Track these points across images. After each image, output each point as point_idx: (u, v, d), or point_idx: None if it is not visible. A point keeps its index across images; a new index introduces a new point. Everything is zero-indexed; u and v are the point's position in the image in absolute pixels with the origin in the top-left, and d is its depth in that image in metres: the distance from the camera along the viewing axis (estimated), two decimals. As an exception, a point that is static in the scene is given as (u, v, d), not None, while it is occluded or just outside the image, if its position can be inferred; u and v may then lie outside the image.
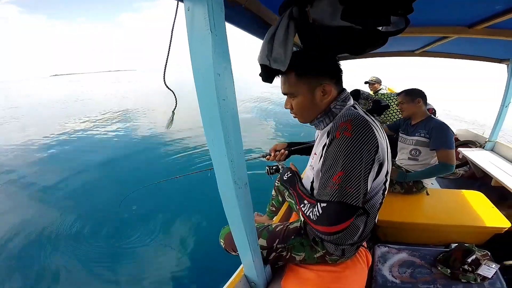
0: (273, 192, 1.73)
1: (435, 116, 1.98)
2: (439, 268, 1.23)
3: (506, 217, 1.58)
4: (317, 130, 1.08)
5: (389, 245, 1.40)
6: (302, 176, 1.15)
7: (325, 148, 0.86)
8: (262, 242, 1.10)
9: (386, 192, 0.97)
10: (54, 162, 5.30)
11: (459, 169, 2.90)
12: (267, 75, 0.90)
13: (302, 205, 0.91)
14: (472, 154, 2.66)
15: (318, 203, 0.80)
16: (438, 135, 1.70)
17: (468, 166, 2.87)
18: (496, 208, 1.67)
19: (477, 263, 1.20)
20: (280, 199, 1.69)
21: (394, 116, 2.76)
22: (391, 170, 1.76)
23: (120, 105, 12.43)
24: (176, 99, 0.71)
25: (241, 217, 0.84)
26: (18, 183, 4.35)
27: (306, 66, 0.89)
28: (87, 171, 4.63)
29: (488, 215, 1.61)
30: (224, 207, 0.86)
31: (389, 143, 2.65)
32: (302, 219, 1.13)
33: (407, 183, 1.84)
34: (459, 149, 2.81)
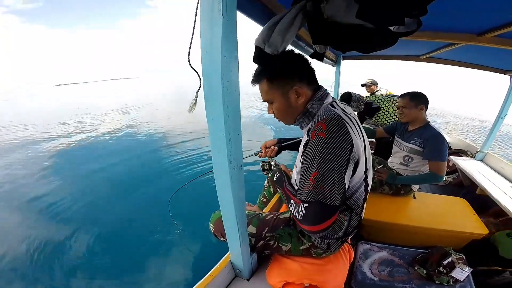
0: (265, 183, 1.76)
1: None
2: (416, 269, 1.29)
3: (486, 224, 1.64)
4: None
5: (371, 243, 1.46)
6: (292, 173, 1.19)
7: (304, 148, 0.91)
8: (252, 229, 1.13)
9: (369, 188, 1.01)
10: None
11: (448, 176, 2.97)
12: (260, 57, 0.88)
13: (290, 204, 0.95)
14: (462, 163, 2.72)
15: (302, 203, 0.84)
16: (433, 146, 1.70)
17: (456, 174, 2.93)
18: (476, 215, 1.73)
19: (451, 266, 1.27)
20: (272, 190, 1.73)
21: (386, 118, 2.77)
22: (383, 171, 1.81)
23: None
24: (200, 80, 0.70)
25: (233, 199, 0.85)
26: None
27: (274, 72, 0.91)
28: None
29: (468, 221, 1.67)
30: (216, 188, 0.88)
31: (384, 145, 2.68)
32: None
33: (396, 185, 1.88)
34: (450, 157, 2.86)
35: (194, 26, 0.65)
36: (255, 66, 0.94)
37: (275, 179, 1.14)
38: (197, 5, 0.61)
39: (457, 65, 2.53)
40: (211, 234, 1.26)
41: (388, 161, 2.13)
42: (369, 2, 0.71)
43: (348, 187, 0.89)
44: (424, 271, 1.26)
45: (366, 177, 0.95)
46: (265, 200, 1.79)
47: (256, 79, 0.95)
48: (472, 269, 1.27)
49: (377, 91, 3.46)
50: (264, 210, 1.67)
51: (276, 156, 1.42)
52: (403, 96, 1.86)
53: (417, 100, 1.79)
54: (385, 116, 2.76)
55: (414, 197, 1.94)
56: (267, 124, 8.10)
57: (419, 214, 1.75)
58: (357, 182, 0.92)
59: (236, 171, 0.81)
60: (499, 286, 1.38)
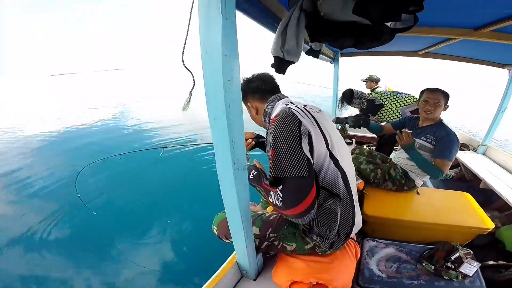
0: None
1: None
2: (424, 264, 1.27)
3: (491, 219, 1.63)
4: None
5: (377, 240, 1.45)
6: None
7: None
8: (256, 230, 1.12)
9: (345, 170, 1.02)
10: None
11: (451, 170, 2.96)
12: (280, 66, 0.98)
13: (270, 197, 0.97)
14: (464, 156, 2.72)
15: (278, 189, 0.89)
16: (445, 146, 1.67)
17: (459, 168, 2.93)
18: (481, 210, 1.72)
19: (459, 261, 1.25)
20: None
21: (389, 115, 2.76)
22: (406, 135, 1.73)
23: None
24: (194, 79, 0.72)
25: (237, 199, 0.85)
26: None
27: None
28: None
29: (474, 216, 1.66)
30: (221, 189, 0.88)
31: (385, 141, 2.65)
32: None
33: (399, 181, 1.87)
34: None
35: (188, 26, 0.65)
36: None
37: (251, 177, 1.10)
38: (192, 5, 0.62)
39: (455, 60, 2.55)
40: (213, 235, 1.26)
41: (393, 156, 2.11)
42: None
43: (314, 164, 0.93)
44: (432, 267, 1.25)
45: (332, 154, 0.97)
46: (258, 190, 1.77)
47: None
48: (480, 264, 1.26)
49: (377, 87, 3.46)
50: (267, 209, 1.66)
51: (249, 150, 1.39)
52: (435, 90, 1.75)
53: (447, 98, 1.74)
54: (388, 113, 2.75)
55: (418, 193, 1.92)
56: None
57: (424, 210, 1.73)
58: (323, 160, 0.95)
59: (240, 171, 0.81)
60: (507, 281, 1.36)
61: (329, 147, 0.97)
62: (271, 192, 0.97)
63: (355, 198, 1.08)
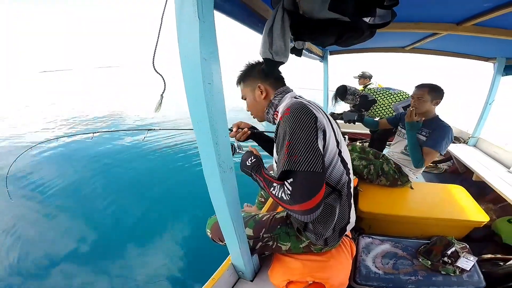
0: None
1: None
2: (420, 260, 1.27)
3: (486, 211, 1.63)
4: None
5: (373, 236, 1.43)
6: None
7: (275, 135, 0.99)
8: (249, 231, 1.11)
9: (349, 167, 1.03)
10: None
11: (443, 164, 2.98)
12: (271, 67, 0.98)
13: (272, 188, 0.89)
14: (455, 149, 2.74)
15: (286, 182, 0.82)
16: (436, 136, 1.67)
17: (451, 161, 2.95)
18: (476, 203, 1.72)
19: (456, 256, 1.25)
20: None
21: (382, 111, 2.78)
22: (409, 112, 1.72)
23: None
24: (164, 82, 0.72)
25: (226, 202, 0.85)
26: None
27: (245, 74, 1.11)
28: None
29: (468, 209, 1.66)
30: (209, 193, 0.87)
31: (381, 136, 2.65)
32: None
33: (393, 176, 1.87)
34: None
35: (160, 29, 0.64)
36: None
37: (248, 163, 1.02)
38: (164, 8, 0.61)
39: (441, 55, 2.59)
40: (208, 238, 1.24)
41: (386, 151, 2.11)
42: None
43: (328, 167, 0.93)
44: (429, 262, 1.24)
45: (341, 152, 0.97)
46: (262, 200, 1.75)
47: (237, 80, 1.15)
48: (477, 258, 1.25)
49: (370, 84, 3.50)
50: (262, 210, 1.64)
51: (244, 141, 1.33)
52: (421, 86, 1.76)
53: (435, 93, 1.71)
54: (381, 109, 2.77)
55: (412, 188, 1.92)
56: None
57: (418, 204, 1.74)
58: (333, 157, 0.93)
59: (226, 174, 0.80)
60: (506, 274, 1.35)
61: (339, 143, 0.97)
62: (274, 184, 0.90)
63: (352, 194, 1.08)
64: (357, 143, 2.42)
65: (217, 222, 1.15)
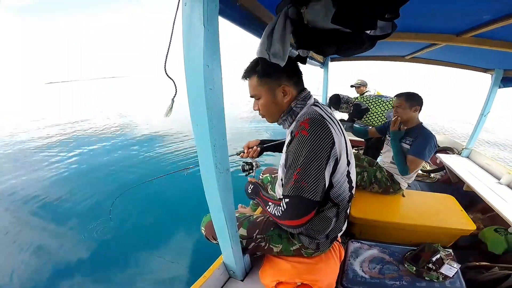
0: None
1: None
2: (406, 266, 1.30)
3: (474, 220, 1.68)
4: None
5: (362, 241, 1.47)
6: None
7: (287, 146, 0.95)
8: (243, 231, 1.14)
9: (353, 185, 1.04)
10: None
11: (436, 173, 3.02)
12: (264, 68, 0.95)
13: (268, 206, 1.01)
14: (448, 160, 2.78)
15: (283, 199, 0.90)
16: (419, 144, 1.73)
17: (444, 171, 2.99)
18: (464, 212, 1.76)
19: (440, 262, 1.28)
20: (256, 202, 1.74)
21: (375, 119, 2.81)
22: (394, 121, 1.82)
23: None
24: (176, 87, 0.74)
25: (221, 202, 0.88)
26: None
27: (265, 69, 0.96)
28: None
29: (456, 218, 1.70)
30: (205, 192, 0.90)
31: (372, 145, 2.71)
32: None
33: (385, 184, 1.91)
34: (437, 154, 2.94)
35: (171, 35, 0.67)
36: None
37: (249, 191, 1.19)
38: (175, 15, 0.63)
39: (440, 65, 2.61)
40: (203, 236, 1.26)
41: (379, 160, 2.15)
42: (344, 8, 0.74)
43: (332, 183, 0.93)
44: (414, 268, 1.28)
45: (349, 172, 0.99)
46: (256, 202, 1.79)
47: (247, 74, 1.01)
48: (460, 265, 1.29)
49: (366, 91, 3.52)
50: (256, 212, 1.67)
51: (258, 156, 1.45)
52: (398, 96, 1.87)
53: (412, 100, 1.80)
54: (373, 117, 2.79)
55: (403, 195, 1.97)
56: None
57: (409, 212, 1.77)
58: (340, 178, 0.95)
59: (222, 175, 0.83)
60: (489, 282, 1.40)
61: (350, 164, 0.98)
62: (270, 203, 1.00)
63: (349, 206, 1.09)
64: (353, 150, 2.45)
65: (211, 220, 1.19)
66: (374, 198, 1.90)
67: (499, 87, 2.52)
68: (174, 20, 0.63)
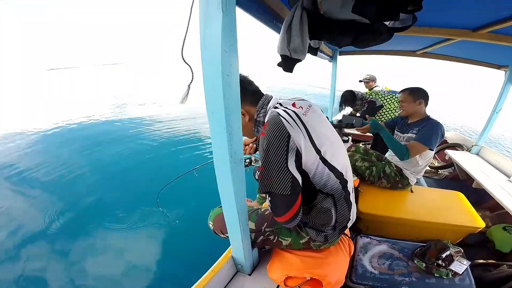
0: None
1: None
2: (415, 262, 1.30)
3: (482, 218, 1.66)
4: None
5: (371, 237, 1.46)
6: None
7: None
8: (251, 225, 1.13)
9: (341, 171, 1.01)
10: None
11: (444, 170, 3.00)
12: (287, 64, 0.98)
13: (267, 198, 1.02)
14: (458, 156, 2.75)
15: (267, 199, 0.95)
16: (425, 131, 1.74)
17: (452, 168, 2.96)
18: (473, 209, 1.75)
19: (450, 259, 1.27)
20: None
21: (388, 115, 2.78)
22: (363, 127, 1.95)
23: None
24: (192, 73, 0.73)
25: (234, 193, 0.86)
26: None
27: None
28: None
29: (465, 215, 1.69)
30: (217, 182, 0.89)
31: (380, 140, 2.68)
32: None
33: (394, 178, 1.90)
34: (446, 150, 2.91)
35: (189, 21, 0.66)
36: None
37: (256, 177, 1.18)
38: (193, 1, 0.62)
39: (452, 60, 2.56)
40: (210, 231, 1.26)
41: (387, 155, 2.15)
42: None
43: (306, 173, 0.95)
44: (423, 264, 1.27)
45: (325, 160, 0.96)
46: (264, 195, 1.79)
47: None
48: (470, 262, 1.28)
49: (375, 86, 3.48)
50: (263, 205, 1.67)
51: (255, 152, 1.49)
52: (403, 91, 1.92)
53: (416, 95, 1.84)
54: (387, 113, 2.77)
55: (412, 191, 1.95)
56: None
57: (417, 208, 1.76)
58: (313, 167, 0.95)
59: (236, 165, 0.82)
60: (497, 280, 1.39)
61: (320, 152, 0.96)
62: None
63: (352, 194, 1.08)
64: (360, 145, 2.44)
65: (220, 214, 1.18)
66: (382, 193, 1.89)
67: (513, 84, 2.47)
68: (192, 4, 0.63)
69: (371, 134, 3.15)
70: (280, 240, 1.12)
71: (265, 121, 0.96)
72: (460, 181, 2.76)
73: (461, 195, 1.92)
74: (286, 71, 1.04)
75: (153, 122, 7.28)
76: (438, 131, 1.71)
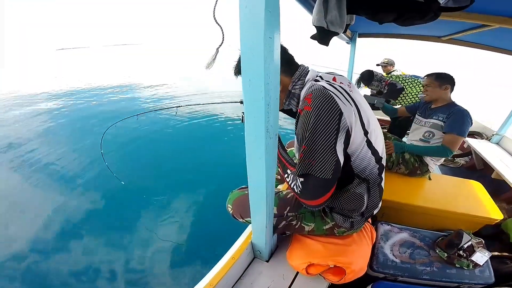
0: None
1: None
2: (437, 251, 1.29)
3: (500, 209, 1.64)
4: None
5: (392, 224, 1.45)
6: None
7: (296, 124, 0.93)
8: (273, 209, 1.07)
9: (381, 155, 0.97)
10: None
11: (461, 158, 2.94)
12: (323, 37, 0.91)
13: (286, 175, 0.96)
14: (477, 144, 2.68)
15: (298, 178, 0.87)
16: (455, 119, 1.70)
17: (470, 156, 2.91)
18: (492, 200, 1.72)
19: (471, 250, 1.26)
20: None
21: (409, 99, 2.70)
22: (388, 144, 1.82)
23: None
24: (223, 34, 0.67)
25: (265, 173, 0.79)
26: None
27: None
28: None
29: (483, 205, 1.66)
30: (247, 161, 0.80)
31: (399, 124, 2.65)
32: None
33: (413, 165, 1.86)
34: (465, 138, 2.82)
35: None
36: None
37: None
38: None
39: (483, 49, 2.40)
40: (228, 214, 1.21)
41: (405, 139, 2.11)
42: None
43: (349, 156, 0.88)
44: (445, 254, 1.26)
45: (370, 142, 0.90)
46: (279, 177, 1.77)
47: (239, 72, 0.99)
48: (491, 254, 1.28)
49: (394, 71, 3.37)
50: (281, 188, 1.65)
51: None
52: (428, 76, 1.87)
53: (442, 80, 1.79)
54: (408, 98, 2.70)
55: (430, 179, 1.92)
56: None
57: (434, 196, 1.73)
58: (358, 150, 0.88)
59: (271, 141, 0.74)
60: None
61: (368, 133, 0.89)
62: (289, 171, 0.94)
63: (383, 179, 1.03)
64: None
65: (240, 197, 1.14)
66: (399, 180, 1.86)
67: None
68: None
69: (388, 119, 3.10)
70: (303, 225, 1.08)
71: (303, 94, 0.88)
72: (476, 170, 2.71)
73: (479, 185, 1.89)
74: (322, 44, 0.99)
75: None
76: (468, 119, 1.68)
